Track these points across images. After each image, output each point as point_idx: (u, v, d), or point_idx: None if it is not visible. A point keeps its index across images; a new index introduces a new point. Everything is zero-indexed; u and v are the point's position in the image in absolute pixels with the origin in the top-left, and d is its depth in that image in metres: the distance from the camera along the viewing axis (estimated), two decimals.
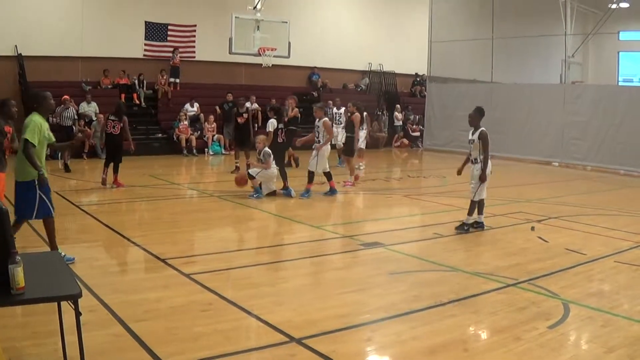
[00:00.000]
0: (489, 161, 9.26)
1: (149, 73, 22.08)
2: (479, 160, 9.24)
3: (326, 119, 12.55)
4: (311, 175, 12.27)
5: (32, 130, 6.69)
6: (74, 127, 16.93)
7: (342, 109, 18.22)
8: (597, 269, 7.45)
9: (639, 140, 17.62)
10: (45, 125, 6.95)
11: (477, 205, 9.39)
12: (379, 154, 23.75)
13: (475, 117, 9.37)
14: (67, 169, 15.37)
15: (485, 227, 9.55)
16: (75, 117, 17.15)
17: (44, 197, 6.86)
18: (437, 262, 7.59)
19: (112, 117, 13.06)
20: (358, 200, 12.66)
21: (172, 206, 11.54)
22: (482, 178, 9.22)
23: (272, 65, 20.25)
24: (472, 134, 9.31)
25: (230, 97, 19.71)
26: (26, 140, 6.66)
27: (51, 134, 7.09)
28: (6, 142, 7.61)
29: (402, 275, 7.04)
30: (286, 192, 12.25)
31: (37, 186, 6.79)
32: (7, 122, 7.60)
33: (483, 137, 9.17)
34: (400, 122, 26.40)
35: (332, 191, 12.41)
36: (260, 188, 11.97)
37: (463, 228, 9.31)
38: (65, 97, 16.76)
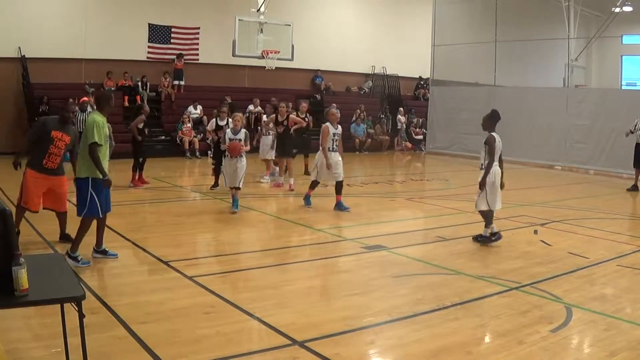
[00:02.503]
0: (492, 169, 8.65)
1: (152, 75, 22.12)
2: (483, 167, 8.76)
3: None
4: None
5: (98, 130, 6.97)
6: None
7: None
8: (599, 273, 7.45)
9: None
10: (106, 124, 7.21)
11: (484, 216, 8.88)
12: (382, 157, 23.75)
13: (485, 121, 8.88)
14: None
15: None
16: None
17: (95, 197, 7.08)
18: (440, 266, 7.59)
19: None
20: (361, 203, 12.66)
21: (175, 208, 11.54)
22: (480, 184, 8.71)
23: (276, 67, 20.30)
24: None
25: (229, 99, 19.71)
26: (93, 143, 6.93)
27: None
28: (55, 150, 7.70)
29: (405, 279, 7.04)
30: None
31: (90, 185, 7.05)
32: (60, 127, 7.72)
33: (488, 142, 8.67)
34: (403, 125, 26.41)
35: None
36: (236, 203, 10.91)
37: (477, 239, 8.87)
38: (84, 99, 15.80)
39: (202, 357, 4.64)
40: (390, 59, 27.60)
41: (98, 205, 7.12)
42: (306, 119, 15.37)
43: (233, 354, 4.72)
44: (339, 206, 11.18)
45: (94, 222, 7.37)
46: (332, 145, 11.18)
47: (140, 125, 13.55)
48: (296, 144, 14.72)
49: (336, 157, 11.16)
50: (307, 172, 15.71)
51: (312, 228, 9.82)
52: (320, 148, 11.16)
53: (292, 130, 14.22)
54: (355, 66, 27.46)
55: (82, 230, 7.21)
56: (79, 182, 7.11)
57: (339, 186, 11.23)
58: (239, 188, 10.83)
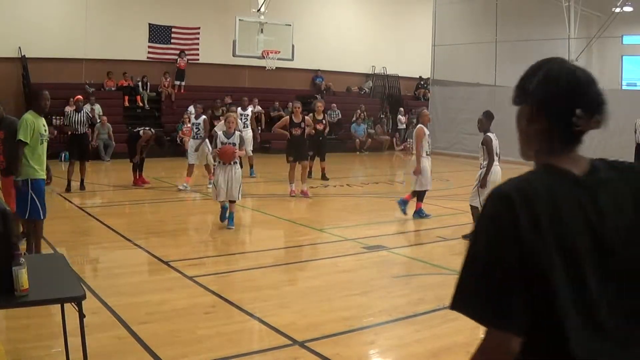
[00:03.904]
0: (493, 168, 8.81)
1: (153, 75, 22.12)
2: (482, 166, 8.94)
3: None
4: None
5: (24, 129, 6.77)
6: (89, 135, 14.16)
7: (249, 110, 16.03)
8: None
9: None
10: (41, 122, 6.98)
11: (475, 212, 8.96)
12: (383, 157, 23.75)
13: (482, 123, 9.06)
14: (82, 186, 12.84)
15: None
16: (90, 122, 13.63)
17: (35, 198, 6.88)
18: (441, 265, 7.58)
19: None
20: (361, 203, 12.67)
21: (175, 208, 11.55)
22: (482, 184, 8.83)
23: (276, 67, 20.29)
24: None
25: (228, 99, 19.68)
26: (19, 140, 6.74)
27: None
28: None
29: (405, 279, 7.04)
30: None
31: (30, 186, 6.84)
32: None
33: (485, 143, 8.88)
34: (404, 125, 26.40)
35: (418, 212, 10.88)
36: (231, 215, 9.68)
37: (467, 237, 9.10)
38: (78, 97, 14.08)
39: (203, 357, 4.64)
40: (391, 59, 27.59)
41: (39, 207, 6.94)
42: (323, 121, 14.50)
43: (233, 354, 4.72)
44: (420, 213, 10.84)
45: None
46: (429, 149, 10.84)
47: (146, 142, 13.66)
48: (311, 147, 13.79)
49: (429, 163, 10.89)
50: (324, 177, 15.22)
51: (312, 228, 9.82)
52: (415, 153, 10.67)
53: (306, 134, 13.08)
54: (355, 66, 27.45)
55: (37, 234, 7.13)
56: (17, 184, 6.89)
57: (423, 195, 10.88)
58: (234, 201, 9.61)
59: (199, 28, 23.35)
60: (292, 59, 20.17)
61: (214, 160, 10.16)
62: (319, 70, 26.45)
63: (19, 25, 19.61)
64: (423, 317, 5.70)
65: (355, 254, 8.20)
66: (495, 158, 8.87)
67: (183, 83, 22.82)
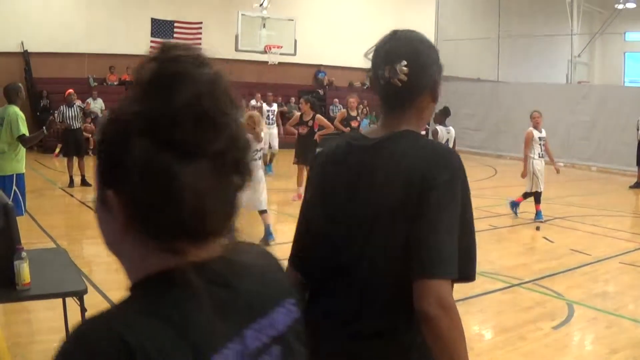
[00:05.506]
0: None
1: None
2: None
3: None
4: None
5: (22, 123, 6.74)
6: (82, 129, 13.35)
7: (275, 105, 15.84)
8: (602, 270, 7.44)
9: None
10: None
11: None
12: None
13: (437, 116, 9.97)
14: (84, 182, 12.60)
15: (491, 227, 9.53)
16: (82, 115, 13.63)
17: (19, 195, 6.77)
18: None
19: None
20: None
21: None
22: None
23: (278, 62, 20.30)
24: None
25: None
26: (22, 135, 6.73)
27: None
28: None
29: None
30: None
31: (15, 182, 6.76)
32: None
33: (433, 134, 9.87)
34: None
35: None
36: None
37: None
38: (70, 90, 13.20)
39: None
40: None
41: (22, 203, 6.78)
42: (358, 118, 12.40)
43: None
44: (539, 216, 10.35)
45: None
46: (541, 151, 10.39)
47: None
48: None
49: (542, 165, 10.42)
50: None
51: None
52: (524, 156, 10.43)
53: (317, 134, 11.66)
54: (358, 61, 27.35)
55: None
56: (1, 180, 6.72)
57: (539, 196, 10.44)
58: (262, 211, 8.39)
59: (201, 23, 23.32)
60: (295, 54, 20.19)
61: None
62: (321, 65, 26.42)
63: (21, 20, 19.60)
64: None
65: None
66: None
67: None
